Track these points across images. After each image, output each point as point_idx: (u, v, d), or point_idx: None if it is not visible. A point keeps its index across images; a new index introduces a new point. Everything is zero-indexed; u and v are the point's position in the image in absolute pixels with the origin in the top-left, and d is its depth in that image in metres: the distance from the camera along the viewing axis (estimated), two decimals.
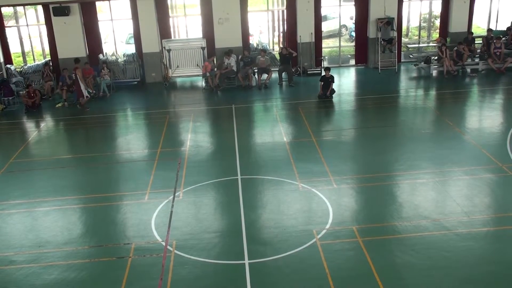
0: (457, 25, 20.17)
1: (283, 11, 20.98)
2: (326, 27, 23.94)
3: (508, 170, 10.69)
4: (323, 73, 16.91)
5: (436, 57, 19.15)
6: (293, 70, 19.20)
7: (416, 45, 21.72)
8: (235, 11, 19.26)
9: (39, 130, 15.65)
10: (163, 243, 8.62)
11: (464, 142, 12.45)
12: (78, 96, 16.77)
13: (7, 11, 22.19)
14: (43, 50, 22.08)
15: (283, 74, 18.87)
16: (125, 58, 19.77)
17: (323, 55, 20.70)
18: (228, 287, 7.54)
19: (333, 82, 16.65)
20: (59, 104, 17.47)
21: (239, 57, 18.81)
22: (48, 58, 20.45)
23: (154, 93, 18.83)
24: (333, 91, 16.66)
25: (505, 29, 20.29)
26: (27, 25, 21.11)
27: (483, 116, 14.75)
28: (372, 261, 7.83)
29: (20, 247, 8.77)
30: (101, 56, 19.67)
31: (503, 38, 19.40)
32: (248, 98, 17.32)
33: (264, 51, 18.92)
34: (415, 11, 23.14)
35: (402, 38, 21.55)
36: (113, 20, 20.40)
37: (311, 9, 19.53)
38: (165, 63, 19.51)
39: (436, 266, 7.66)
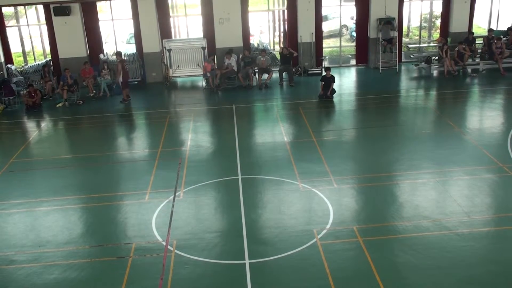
0: (457, 25, 20.15)
1: (283, 11, 20.98)
2: (326, 27, 23.91)
3: (508, 170, 10.68)
4: (324, 73, 16.90)
5: (436, 57, 19.14)
6: (293, 70, 19.19)
7: (417, 45, 21.71)
8: (235, 11, 19.26)
9: (39, 130, 15.65)
10: (164, 243, 8.63)
11: (465, 142, 12.44)
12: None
13: (7, 10, 22.18)
14: (43, 49, 22.09)
15: (284, 74, 18.85)
16: (125, 58, 19.73)
17: (323, 55, 20.67)
18: (229, 287, 7.54)
19: (334, 82, 16.65)
20: (60, 104, 17.47)
21: (240, 57, 18.80)
22: (49, 57, 20.45)
23: (154, 93, 18.83)
24: (333, 91, 16.65)
25: (505, 29, 20.27)
26: (28, 24, 21.12)
27: (483, 116, 14.74)
28: (373, 261, 7.83)
29: (20, 247, 8.78)
30: (101, 56, 19.68)
31: (504, 38, 19.39)
32: (248, 98, 17.31)
33: (264, 51, 18.91)
34: (416, 11, 23.14)
35: (403, 38, 21.51)
36: (114, 20, 20.41)
37: (312, 9, 19.52)
38: (165, 63, 19.50)
39: (437, 266, 7.65)
